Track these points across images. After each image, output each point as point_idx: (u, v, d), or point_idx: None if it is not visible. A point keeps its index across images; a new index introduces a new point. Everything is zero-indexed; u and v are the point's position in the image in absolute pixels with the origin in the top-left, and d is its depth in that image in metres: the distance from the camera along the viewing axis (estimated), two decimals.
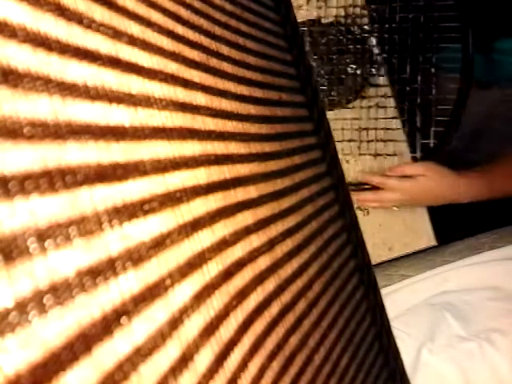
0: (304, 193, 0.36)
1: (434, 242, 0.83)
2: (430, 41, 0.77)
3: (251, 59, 0.33)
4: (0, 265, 0.11)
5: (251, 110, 0.31)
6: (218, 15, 0.29)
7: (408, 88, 0.79)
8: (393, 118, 0.80)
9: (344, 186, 0.45)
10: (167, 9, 0.23)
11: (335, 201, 0.42)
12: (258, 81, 0.33)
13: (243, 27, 0.33)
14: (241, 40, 0.32)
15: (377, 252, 0.82)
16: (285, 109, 0.37)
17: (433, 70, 0.77)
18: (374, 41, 0.81)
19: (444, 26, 0.75)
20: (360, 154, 0.82)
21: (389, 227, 0.83)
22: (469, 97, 0.75)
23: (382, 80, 0.82)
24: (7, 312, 0.11)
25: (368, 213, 0.83)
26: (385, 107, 0.80)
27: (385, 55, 0.81)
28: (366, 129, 0.80)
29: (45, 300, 0.12)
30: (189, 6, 0.26)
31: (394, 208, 0.80)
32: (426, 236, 0.83)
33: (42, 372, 0.12)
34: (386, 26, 0.80)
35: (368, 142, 0.80)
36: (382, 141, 0.80)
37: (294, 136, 0.38)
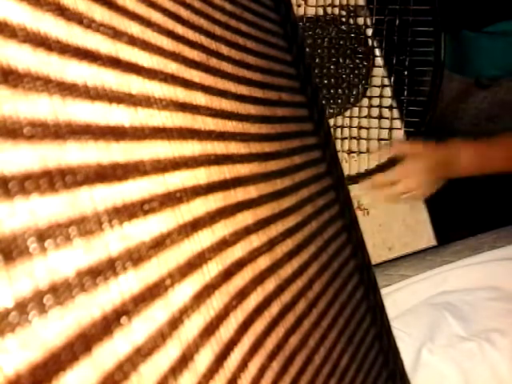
0: (304, 193, 0.36)
1: (433, 242, 0.83)
2: (404, 44, 0.81)
3: (251, 59, 0.33)
4: (0, 265, 0.11)
5: (251, 110, 0.31)
6: (217, 15, 0.29)
7: (381, 89, 0.83)
8: (366, 116, 0.84)
9: (344, 186, 0.45)
10: (167, 9, 0.23)
11: (335, 201, 0.42)
12: (257, 81, 0.33)
13: (243, 27, 0.33)
14: (241, 40, 0.32)
15: (377, 252, 0.82)
16: (285, 109, 0.37)
17: (405, 72, 0.81)
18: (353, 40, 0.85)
19: (418, 30, 0.79)
20: None
21: (389, 227, 0.83)
22: (438, 98, 0.80)
23: (356, 80, 0.85)
24: (7, 312, 0.11)
25: (368, 213, 0.83)
26: (358, 106, 0.84)
27: (360, 56, 0.84)
28: (340, 127, 0.84)
29: (45, 300, 0.12)
30: (189, 6, 0.26)
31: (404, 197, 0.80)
32: (426, 236, 0.83)
33: (42, 372, 0.12)
34: (363, 27, 0.83)
35: (342, 139, 0.84)
36: (355, 138, 0.83)
37: (294, 136, 0.38)
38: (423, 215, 0.83)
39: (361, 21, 0.83)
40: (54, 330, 0.12)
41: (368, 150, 0.83)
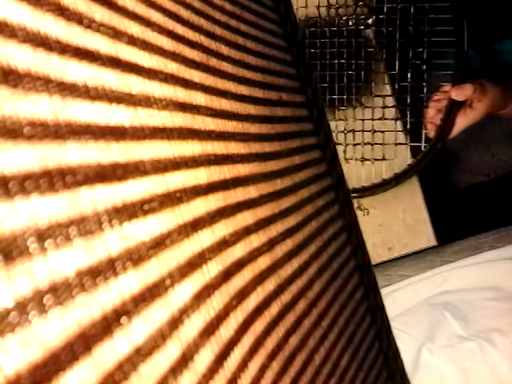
0: (304, 193, 0.36)
1: (434, 242, 0.83)
2: (421, 34, 0.71)
3: (251, 59, 0.33)
4: (0, 265, 0.11)
5: (251, 110, 0.31)
6: (218, 15, 0.29)
7: (397, 86, 0.73)
8: (380, 119, 0.74)
9: (344, 185, 0.45)
10: (167, 9, 0.23)
11: (335, 201, 0.42)
12: (257, 81, 0.33)
13: (243, 27, 0.33)
14: (241, 40, 0.32)
15: (377, 252, 0.82)
16: (285, 109, 0.37)
17: (424, 67, 0.72)
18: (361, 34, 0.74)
19: (436, 18, 0.70)
20: (346, 159, 0.74)
21: (389, 227, 0.83)
22: None
23: (368, 77, 0.74)
24: (7, 312, 0.11)
25: (368, 213, 0.83)
26: (372, 107, 0.74)
27: (371, 50, 0.73)
28: (352, 131, 0.74)
29: (45, 300, 0.12)
30: (189, 6, 0.26)
31: None
32: (425, 236, 0.83)
33: (42, 372, 0.12)
34: (373, 17, 0.73)
35: (354, 145, 0.74)
36: (370, 144, 0.74)
37: (294, 136, 0.38)
38: (423, 215, 0.83)
39: (371, 10, 0.72)
40: (54, 329, 0.12)
41: (384, 157, 0.73)
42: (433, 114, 0.71)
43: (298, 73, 0.42)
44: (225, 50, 0.29)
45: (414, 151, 0.73)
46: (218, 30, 0.29)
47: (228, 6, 0.31)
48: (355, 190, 0.74)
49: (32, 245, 0.12)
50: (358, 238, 0.45)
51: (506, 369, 0.56)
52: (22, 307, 0.12)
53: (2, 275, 0.11)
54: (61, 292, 0.13)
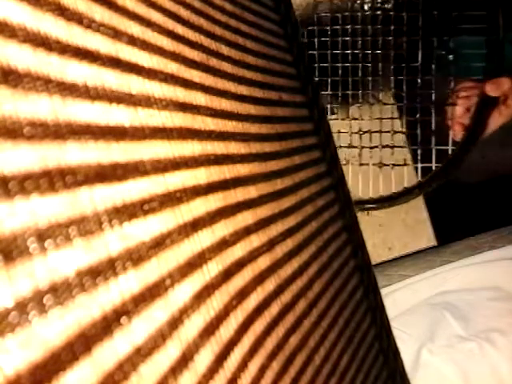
0: (304, 193, 0.36)
1: (434, 242, 0.83)
2: (447, 20, 0.61)
3: (251, 59, 0.33)
4: (0, 265, 0.11)
5: (251, 109, 0.31)
6: (218, 15, 0.29)
7: (420, 80, 0.63)
8: (399, 117, 0.66)
9: (344, 185, 0.45)
10: (167, 9, 0.23)
11: (335, 201, 0.42)
12: (257, 81, 0.33)
13: (243, 27, 0.33)
14: (241, 40, 0.32)
15: (377, 252, 0.82)
16: (285, 109, 0.37)
17: (450, 58, 0.63)
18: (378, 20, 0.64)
19: (465, 1, 0.59)
20: (361, 164, 0.66)
21: (389, 227, 0.83)
22: None
23: (386, 69, 0.65)
24: (7, 312, 0.11)
25: (368, 213, 0.83)
26: (392, 105, 0.66)
27: (390, 38, 0.63)
28: (369, 132, 0.65)
29: (45, 300, 0.12)
30: (189, 6, 0.26)
31: None
32: (425, 236, 0.83)
33: (42, 372, 0.12)
34: (392, 0, 0.64)
35: (371, 148, 0.65)
36: (389, 147, 0.65)
37: (294, 136, 0.38)
38: (423, 215, 0.83)
39: None
40: (54, 329, 0.12)
41: (405, 162, 0.64)
42: (461, 113, 0.62)
43: (298, 73, 0.42)
44: (225, 49, 0.29)
45: (440, 155, 0.63)
46: (218, 30, 0.29)
47: (228, 6, 0.31)
48: (373, 201, 0.64)
49: (32, 245, 0.12)
50: (358, 238, 0.45)
51: (505, 369, 0.56)
52: (22, 307, 0.12)
53: (2, 275, 0.11)
54: (61, 292, 0.13)
